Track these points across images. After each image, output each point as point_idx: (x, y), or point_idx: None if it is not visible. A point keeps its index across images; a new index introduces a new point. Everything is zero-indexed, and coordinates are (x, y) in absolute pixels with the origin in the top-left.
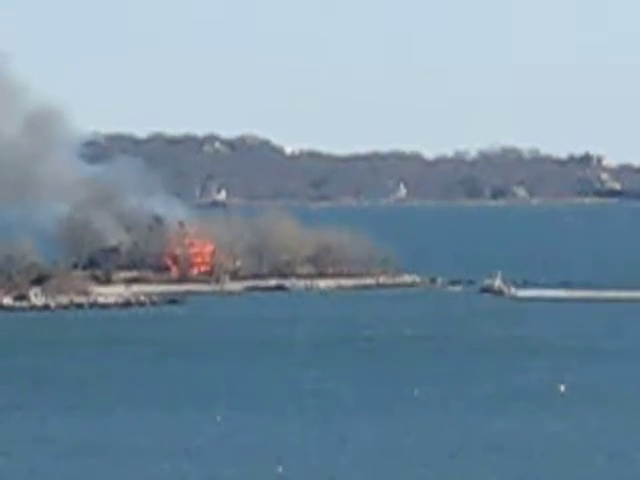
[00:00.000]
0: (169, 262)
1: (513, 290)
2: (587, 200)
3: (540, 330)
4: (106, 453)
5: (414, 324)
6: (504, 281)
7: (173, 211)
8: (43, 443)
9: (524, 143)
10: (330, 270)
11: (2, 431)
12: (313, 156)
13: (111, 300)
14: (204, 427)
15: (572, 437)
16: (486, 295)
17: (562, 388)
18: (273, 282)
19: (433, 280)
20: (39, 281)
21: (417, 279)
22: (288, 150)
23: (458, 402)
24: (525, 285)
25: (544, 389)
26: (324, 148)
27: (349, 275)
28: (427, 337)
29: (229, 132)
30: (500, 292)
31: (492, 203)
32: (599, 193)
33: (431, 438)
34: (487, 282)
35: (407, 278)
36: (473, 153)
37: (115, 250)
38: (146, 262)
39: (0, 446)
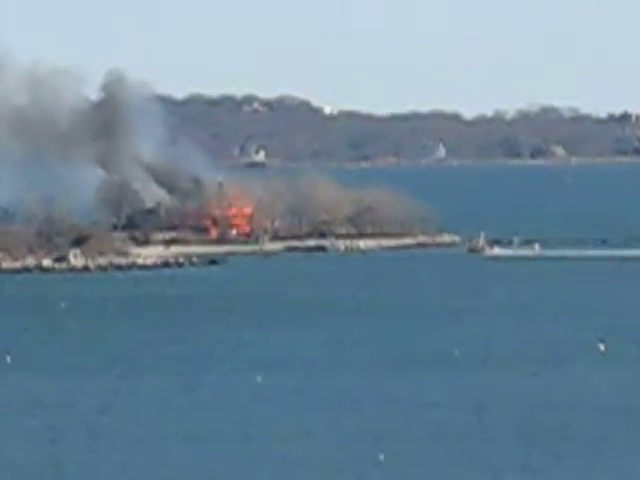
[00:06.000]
0: (208, 223)
1: (491, 250)
2: (626, 159)
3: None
4: (147, 411)
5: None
6: (487, 241)
7: (212, 172)
8: (92, 397)
9: (563, 102)
10: (370, 230)
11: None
12: (352, 116)
13: (150, 261)
14: (244, 388)
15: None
16: (471, 255)
17: (602, 347)
18: (312, 242)
19: (472, 240)
20: (78, 242)
21: (456, 239)
22: (327, 110)
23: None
24: (504, 243)
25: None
26: (363, 108)
27: (389, 235)
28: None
29: (268, 92)
30: (482, 251)
31: (531, 163)
32: (638, 152)
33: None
34: (472, 242)
35: (446, 238)
36: (512, 113)
37: (154, 211)
38: (185, 223)
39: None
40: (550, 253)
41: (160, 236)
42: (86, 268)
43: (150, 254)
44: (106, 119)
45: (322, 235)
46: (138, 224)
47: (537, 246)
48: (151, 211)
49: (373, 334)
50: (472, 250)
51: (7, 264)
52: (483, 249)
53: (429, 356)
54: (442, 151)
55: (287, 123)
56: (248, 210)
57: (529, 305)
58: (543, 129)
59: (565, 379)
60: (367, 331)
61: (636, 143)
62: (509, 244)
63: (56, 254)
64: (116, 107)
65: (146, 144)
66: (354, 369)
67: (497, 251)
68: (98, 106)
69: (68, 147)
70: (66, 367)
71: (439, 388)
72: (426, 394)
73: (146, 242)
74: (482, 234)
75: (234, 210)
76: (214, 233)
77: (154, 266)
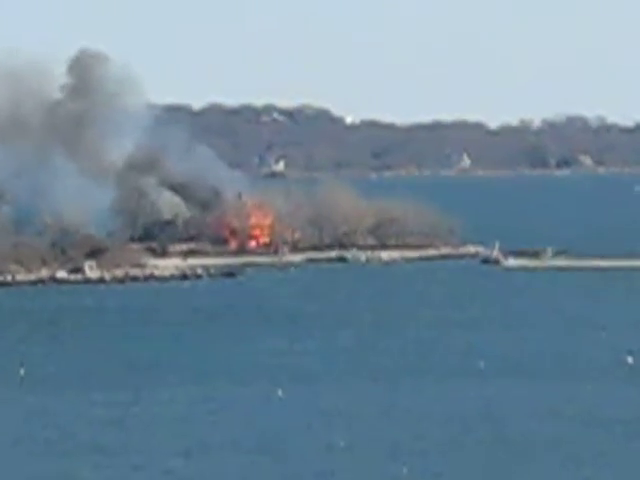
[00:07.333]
0: (227, 234)
1: (507, 260)
2: None
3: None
4: (163, 424)
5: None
6: (501, 251)
7: (231, 183)
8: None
9: (590, 111)
10: (392, 241)
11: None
12: (374, 126)
13: (167, 273)
14: (264, 402)
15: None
16: (485, 266)
17: (630, 360)
18: (333, 254)
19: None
20: (94, 254)
21: (481, 250)
22: (348, 120)
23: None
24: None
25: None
26: (385, 117)
27: (411, 246)
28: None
29: (287, 102)
30: (497, 262)
31: (557, 173)
32: None
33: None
34: (486, 252)
35: (471, 249)
36: (538, 122)
37: (171, 222)
38: (204, 234)
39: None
40: (572, 264)
41: (178, 247)
42: (102, 280)
43: (167, 266)
44: (77, 110)
45: (343, 246)
46: (155, 235)
47: (566, 257)
48: (168, 222)
49: (394, 346)
50: (486, 261)
51: (21, 276)
52: (498, 260)
53: (450, 367)
54: (466, 161)
55: (307, 133)
56: (267, 221)
57: (552, 317)
58: (570, 138)
59: (590, 391)
60: (388, 343)
61: None
62: (535, 255)
63: (71, 266)
64: (88, 94)
65: (126, 139)
66: (375, 381)
67: (513, 262)
68: (69, 95)
69: (43, 148)
70: (80, 380)
71: (461, 400)
72: (448, 406)
73: (163, 253)
74: (497, 244)
75: (253, 221)
76: (233, 244)
77: (171, 278)
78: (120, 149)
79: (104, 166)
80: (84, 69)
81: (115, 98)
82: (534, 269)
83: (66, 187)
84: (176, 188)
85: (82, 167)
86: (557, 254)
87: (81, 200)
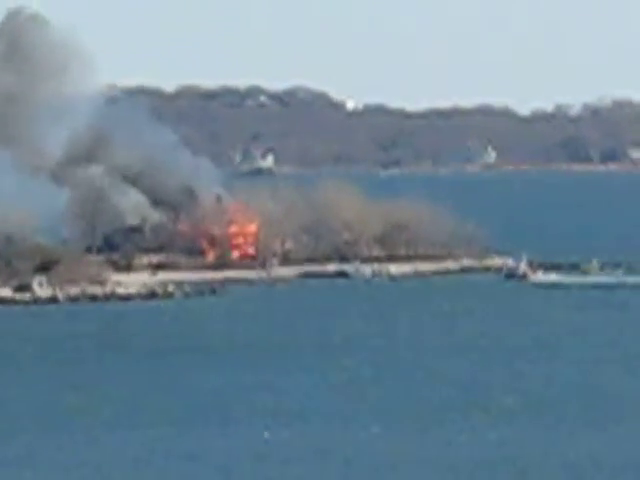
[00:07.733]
0: (204, 244)
1: (535, 275)
2: None
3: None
4: (115, 472)
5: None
6: (530, 264)
7: (208, 180)
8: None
9: (639, 94)
10: (402, 252)
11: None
12: (381, 112)
13: (133, 290)
14: (247, 446)
15: None
16: (510, 281)
17: None
18: (332, 267)
19: (531, 263)
20: (44, 268)
21: (510, 262)
22: (350, 105)
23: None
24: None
25: None
26: (394, 102)
27: (425, 258)
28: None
29: (276, 84)
30: (524, 277)
31: (601, 168)
32: None
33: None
34: (511, 265)
35: (497, 261)
36: (577, 107)
37: (137, 229)
38: (176, 244)
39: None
40: (622, 280)
41: (145, 260)
42: (54, 299)
43: (133, 282)
44: (7, 85)
45: (344, 258)
46: (118, 245)
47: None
48: (134, 229)
49: (402, 378)
50: (511, 276)
51: None
52: (525, 275)
53: (470, 403)
54: (491, 154)
55: (301, 120)
56: (253, 228)
57: (594, 346)
58: (616, 128)
59: (629, 436)
60: (394, 376)
61: None
62: (574, 269)
63: (16, 282)
64: (21, 66)
65: (70, 123)
66: (378, 420)
67: (543, 277)
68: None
69: None
70: (23, 421)
71: (480, 443)
72: (464, 449)
73: (128, 267)
74: (524, 256)
75: (235, 228)
76: (211, 256)
77: (137, 296)
78: (62, 135)
79: (43, 156)
80: (15, 34)
81: (56, 71)
82: (570, 286)
83: (3, 183)
84: (136, 186)
85: (15, 156)
86: (604, 267)
87: (26, 200)
